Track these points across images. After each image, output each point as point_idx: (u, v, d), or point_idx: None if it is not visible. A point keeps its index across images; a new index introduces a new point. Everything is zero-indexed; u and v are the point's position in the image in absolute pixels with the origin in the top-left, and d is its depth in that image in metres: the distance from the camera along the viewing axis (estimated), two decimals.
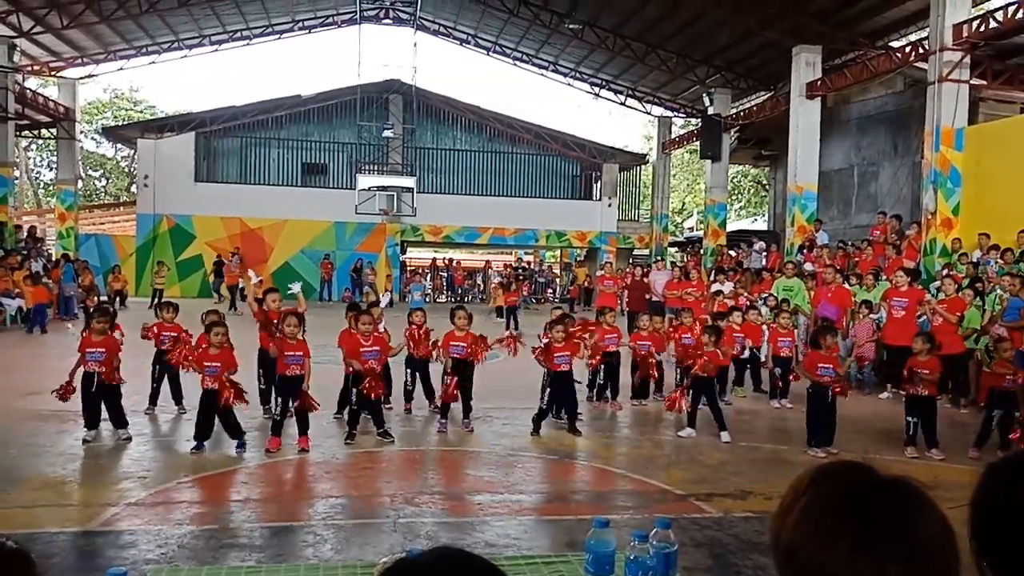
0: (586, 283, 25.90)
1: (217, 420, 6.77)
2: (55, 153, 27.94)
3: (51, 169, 38.78)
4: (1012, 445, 7.03)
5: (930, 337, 7.81)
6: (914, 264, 13.44)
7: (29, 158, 40.40)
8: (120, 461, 6.53)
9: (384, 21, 28.37)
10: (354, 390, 7.29)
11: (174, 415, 8.10)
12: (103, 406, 7.04)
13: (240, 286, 21.33)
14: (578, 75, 28.20)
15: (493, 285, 24.63)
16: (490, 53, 28.56)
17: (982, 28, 13.21)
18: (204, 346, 7.02)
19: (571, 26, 22.91)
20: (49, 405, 8.39)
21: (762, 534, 4.86)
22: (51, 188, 37.07)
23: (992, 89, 15.75)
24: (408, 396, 8.62)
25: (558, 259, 34.99)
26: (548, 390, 7.83)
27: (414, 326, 8.51)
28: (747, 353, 10.33)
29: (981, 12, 14.12)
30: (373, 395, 7.20)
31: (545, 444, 7.42)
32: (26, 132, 25.75)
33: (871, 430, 8.37)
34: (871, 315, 10.82)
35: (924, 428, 7.33)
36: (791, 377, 9.58)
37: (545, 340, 8.06)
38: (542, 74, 28.75)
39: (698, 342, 8.42)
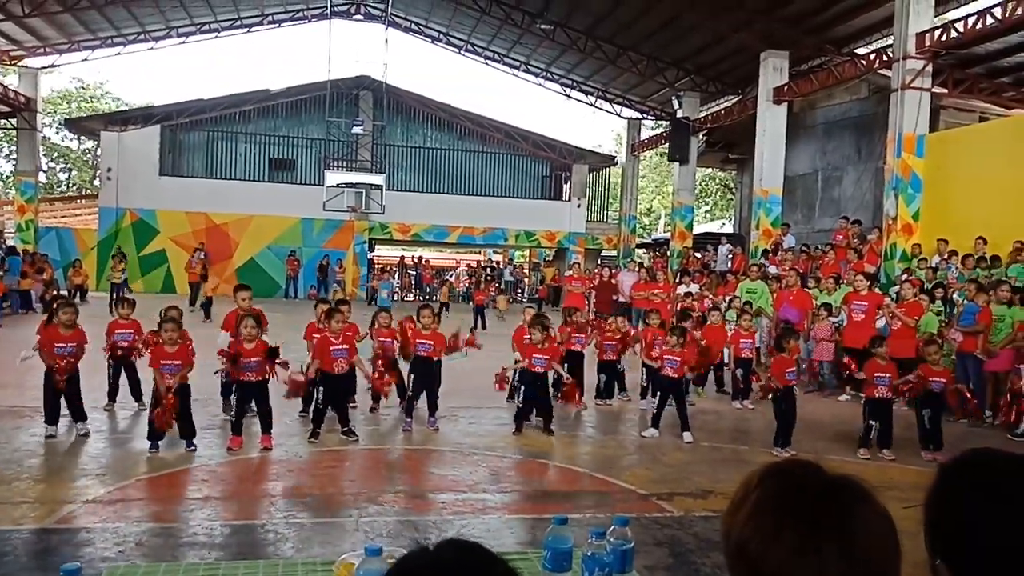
0: (553, 282, 26.05)
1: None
2: (15, 144, 27.33)
3: (9, 160, 37.94)
4: (940, 441, 7.28)
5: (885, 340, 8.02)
6: (875, 268, 13.68)
7: None
8: (78, 458, 6.42)
9: (355, 16, 28.18)
10: (320, 388, 7.25)
11: (134, 411, 7.98)
12: (63, 401, 6.94)
13: (199, 283, 21.03)
14: (549, 75, 28.26)
15: (440, 282, 24.94)
16: (462, 52, 28.50)
17: (944, 37, 13.49)
18: (159, 343, 6.77)
19: (543, 26, 22.95)
20: (3, 401, 8.24)
21: None
22: (10, 179, 36.26)
23: (953, 97, 16.08)
24: (375, 396, 8.58)
25: (527, 259, 35.07)
26: (522, 388, 7.85)
27: (380, 328, 8.46)
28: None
29: (943, 22, 14.41)
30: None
31: (510, 443, 7.45)
32: None
33: (830, 431, 8.52)
34: (831, 318, 11.01)
35: (880, 429, 7.49)
36: (752, 378, 9.71)
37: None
38: (514, 74, 28.76)
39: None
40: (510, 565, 1.01)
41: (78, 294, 19.60)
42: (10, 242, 23.42)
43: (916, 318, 9.86)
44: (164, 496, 5.67)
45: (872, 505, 1.05)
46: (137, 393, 8.08)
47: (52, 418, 6.92)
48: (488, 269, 30.24)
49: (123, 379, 8.10)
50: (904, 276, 11.88)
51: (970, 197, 13.44)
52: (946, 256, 12.76)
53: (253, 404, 6.91)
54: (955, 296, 10.59)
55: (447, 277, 28.56)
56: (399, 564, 1.00)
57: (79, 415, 7.02)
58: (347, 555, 2.31)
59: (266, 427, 6.82)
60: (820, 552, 0.99)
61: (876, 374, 7.54)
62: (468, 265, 32.44)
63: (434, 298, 26.80)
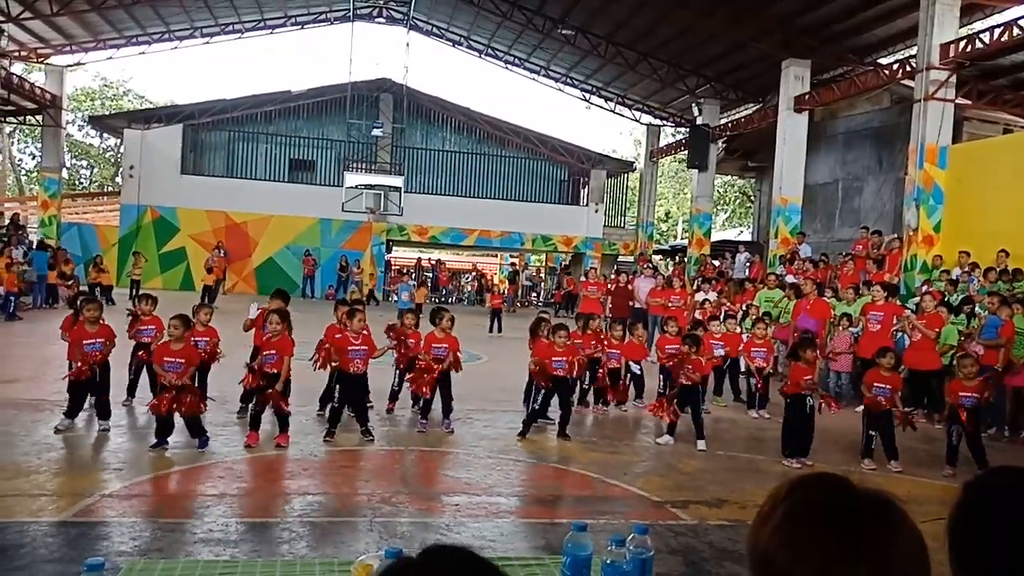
0: (570, 288, 26.02)
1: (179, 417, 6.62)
2: (40, 140, 27.66)
3: (34, 157, 38.39)
4: (983, 458, 7.11)
5: (893, 351, 7.92)
6: (896, 278, 13.55)
7: (12, 144, 39.95)
8: (96, 452, 6.49)
9: (377, 19, 28.36)
10: (338, 388, 7.28)
11: None
12: (90, 396, 7.01)
13: (221, 280, 21.21)
14: (569, 81, 28.27)
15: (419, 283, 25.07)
16: (482, 55, 28.59)
17: (968, 48, 13.37)
18: (166, 340, 6.84)
19: (564, 31, 22.96)
20: (24, 393, 8.33)
21: (736, 542, 4.89)
22: (34, 175, 36.68)
23: (976, 109, 15.94)
24: (393, 396, 8.61)
25: (543, 263, 35.08)
26: (543, 392, 7.82)
27: (405, 328, 8.47)
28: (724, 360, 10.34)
29: (968, 33, 14.29)
30: (423, 389, 7.74)
31: (524, 447, 7.44)
32: (10, 118, 25.48)
33: (845, 442, 8.43)
34: (850, 328, 10.93)
35: (883, 440, 7.39)
36: (759, 385, 9.65)
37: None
38: (533, 78, 28.80)
39: (682, 355, 8.37)
40: (501, 570, 0.98)
41: (98, 291, 19.73)
42: (32, 237, 23.64)
43: (936, 330, 9.77)
44: (180, 492, 5.71)
45: (906, 524, 1.03)
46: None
47: (72, 412, 6.99)
48: (515, 273, 30.23)
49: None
50: (924, 288, 11.77)
51: (993, 209, 13.31)
52: (967, 269, 12.64)
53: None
54: (976, 309, 10.49)
55: (426, 275, 28.48)
56: (388, 573, 0.97)
57: (104, 412, 7.07)
58: (365, 556, 2.31)
59: (283, 425, 6.85)
60: (853, 570, 0.97)
61: (876, 384, 7.45)
62: (475, 267, 32.61)
63: (450, 300, 26.89)
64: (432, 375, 7.77)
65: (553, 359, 7.81)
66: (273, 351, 6.83)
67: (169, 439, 6.55)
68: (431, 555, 0.99)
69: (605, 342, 9.54)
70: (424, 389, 7.79)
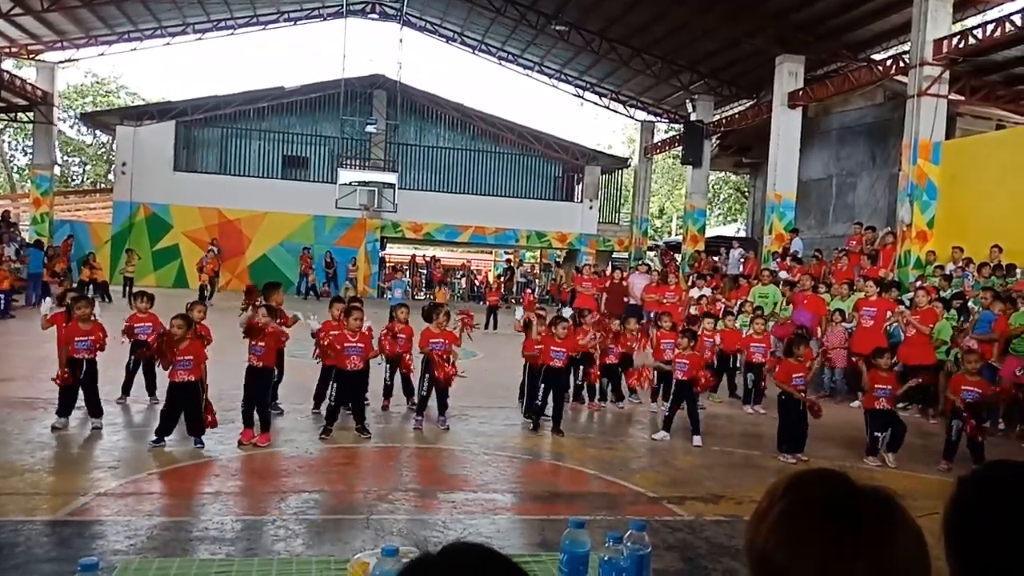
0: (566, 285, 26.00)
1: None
2: (31, 137, 27.49)
3: (26, 154, 38.18)
4: (982, 454, 7.13)
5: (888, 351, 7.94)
6: (890, 274, 13.58)
7: (4, 141, 39.74)
8: (91, 450, 6.47)
9: (370, 15, 28.25)
10: (334, 385, 7.27)
11: (147, 405, 8.01)
12: (80, 394, 6.99)
13: (215, 278, 21.15)
14: (563, 77, 28.24)
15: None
16: (476, 52, 28.53)
17: (962, 44, 13.40)
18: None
19: (557, 28, 22.92)
20: (18, 392, 8.30)
21: (733, 538, 4.90)
22: (26, 172, 36.47)
23: (969, 105, 15.96)
24: (387, 392, 8.60)
25: (538, 259, 35.06)
26: (543, 385, 7.84)
27: (396, 323, 8.47)
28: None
29: (961, 28, 14.32)
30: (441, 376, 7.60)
31: (520, 444, 7.45)
32: (1, 115, 25.33)
33: (841, 437, 8.46)
34: (844, 323, 10.97)
35: (892, 436, 7.41)
36: (762, 383, 9.68)
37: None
38: (527, 75, 28.76)
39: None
40: (522, 568, 0.97)
41: (91, 288, 19.65)
42: (25, 234, 23.52)
43: (931, 325, 9.81)
44: (176, 490, 5.69)
45: (906, 520, 1.03)
46: (151, 387, 8.11)
47: (65, 410, 6.97)
48: (508, 270, 30.21)
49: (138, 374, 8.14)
50: (918, 283, 11.81)
51: (986, 205, 13.35)
52: (961, 264, 12.68)
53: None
54: (970, 304, 10.53)
55: (420, 272, 28.43)
56: (408, 571, 0.97)
57: (96, 410, 7.06)
58: (361, 554, 2.31)
59: (265, 424, 6.84)
60: (851, 567, 0.97)
61: (877, 385, 7.47)
62: (464, 265, 32.63)
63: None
64: (446, 364, 7.78)
65: (552, 349, 7.83)
66: (262, 344, 6.81)
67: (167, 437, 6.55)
68: (452, 553, 0.98)
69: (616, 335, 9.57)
70: (446, 378, 7.78)
